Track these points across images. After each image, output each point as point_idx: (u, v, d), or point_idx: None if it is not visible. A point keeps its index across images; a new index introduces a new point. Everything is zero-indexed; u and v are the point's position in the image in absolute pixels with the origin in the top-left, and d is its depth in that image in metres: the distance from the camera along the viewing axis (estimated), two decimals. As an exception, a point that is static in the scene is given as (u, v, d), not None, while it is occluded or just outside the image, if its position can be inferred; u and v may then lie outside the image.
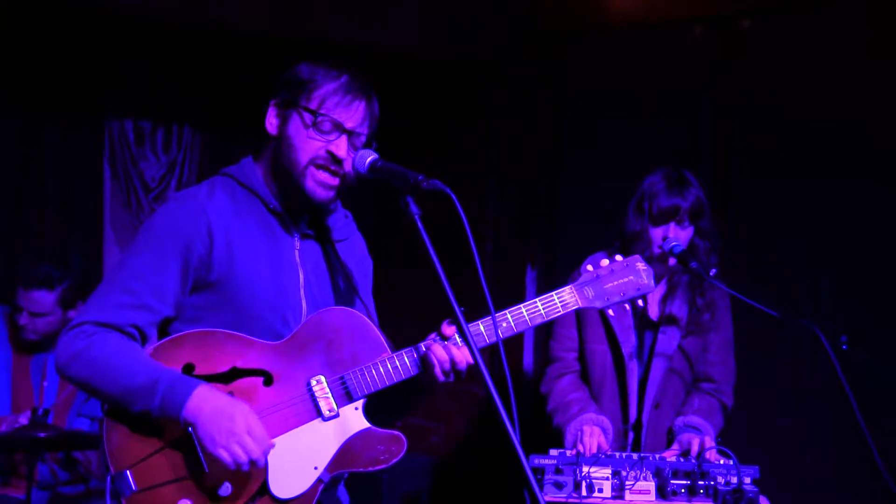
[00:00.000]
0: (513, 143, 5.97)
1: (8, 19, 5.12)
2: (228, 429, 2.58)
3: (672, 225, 4.06)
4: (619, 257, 2.93)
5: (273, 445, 2.65)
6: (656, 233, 4.07)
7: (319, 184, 2.76)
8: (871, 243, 5.07)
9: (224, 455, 2.59)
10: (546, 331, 4.41)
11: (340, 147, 2.74)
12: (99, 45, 5.47)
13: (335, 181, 2.77)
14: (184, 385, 2.61)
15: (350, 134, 2.75)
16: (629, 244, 4.11)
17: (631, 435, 4.16)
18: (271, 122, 2.81)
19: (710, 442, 3.93)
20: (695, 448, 3.90)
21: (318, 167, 2.75)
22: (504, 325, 2.79)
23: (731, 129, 5.40)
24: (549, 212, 5.86)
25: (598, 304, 2.89)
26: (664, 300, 4.19)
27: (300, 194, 2.78)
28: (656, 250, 4.07)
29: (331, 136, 2.74)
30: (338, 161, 2.74)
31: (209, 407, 2.59)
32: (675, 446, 4.01)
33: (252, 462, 2.60)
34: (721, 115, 5.43)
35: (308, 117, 2.74)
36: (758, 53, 5.33)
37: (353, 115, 2.76)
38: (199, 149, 6.04)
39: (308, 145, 2.74)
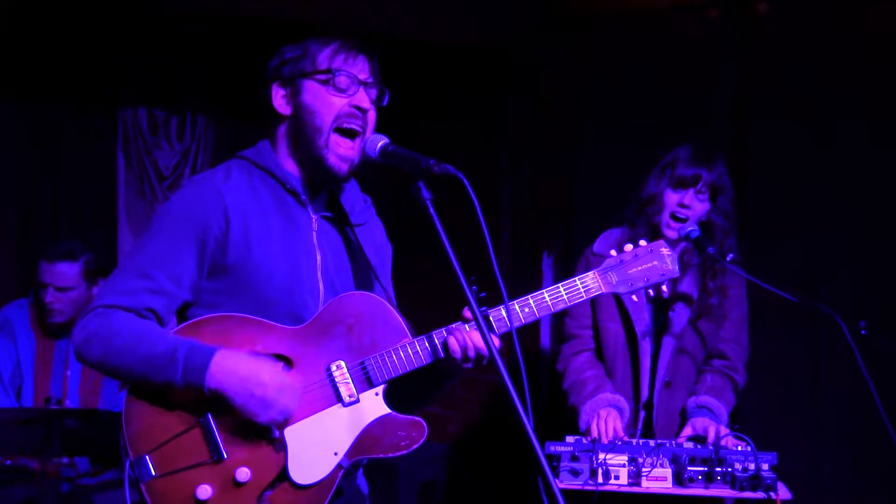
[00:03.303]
0: (528, 130, 5.95)
1: (23, 8, 5.12)
2: (262, 396, 2.59)
3: (690, 192, 4.04)
4: (643, 242, 2.91)
5: (300, 385, 2.66)
6: (672, 197, 4.06)
7: (342, 158, 2.76)
8: (890, 226, 5.05)
9: (264, 420, 2.61)
10: (561, 312, 4.40)
11: (363, 99, 2.76)
12: (113, 34, 5.47)
13: (355, 148, 2.77)
14: (203, 351, 2.61)
15: (366, 85, 2.78)
16: (643, 207, 4.10)
17: (643, 414, 4.15)
18: (280, 102, 2.81)
19: (725, 430, 3.91)
20: (711, 436, 3.89)
21: (340, 131, 2.75)
22: (526, 310, 2.78)
23: (749, 111, 5.38)
24: (566, 199, 5.84)
25: (622, 290, 2.87)
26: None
27: (322, 170, 2.78)
28: (668, 220, 4.04)
29: (350, 90, 2.76)
30: (363, 110, 2.76)
31: (234, 374, 2.59)
32: (688, 429, 3.99)
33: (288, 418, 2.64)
34: (738, 97, 5.41)
35: (323, 77, 2.75)
36: (774, 35, 5.30)
37: (362, 67, 2.79)
38: (213, 137, 6.05)
39: (330, 105, 2.75)
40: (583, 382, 4.15)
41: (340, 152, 2.76)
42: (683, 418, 4.12)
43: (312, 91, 2.77)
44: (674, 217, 4.06)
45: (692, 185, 4.04)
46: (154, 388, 2.65)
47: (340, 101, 2.76)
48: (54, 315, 4.68)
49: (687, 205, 4.04)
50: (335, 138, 2.76)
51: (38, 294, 4.73)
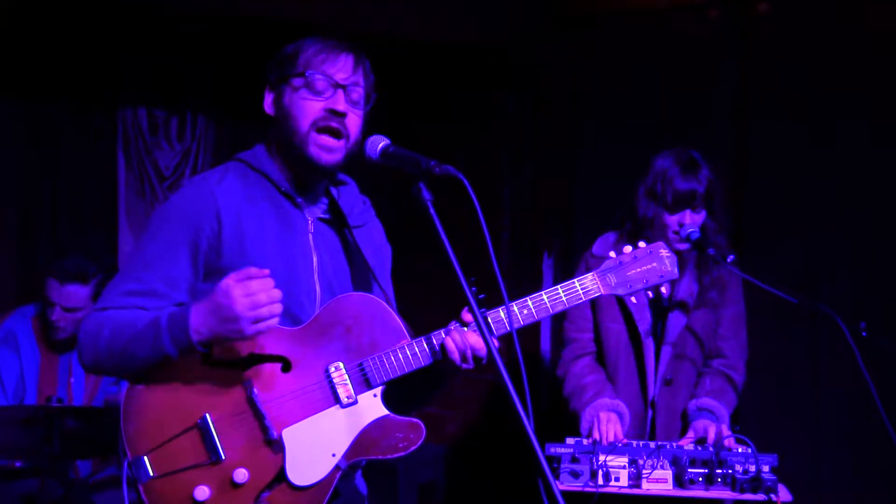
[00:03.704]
0: (528, 130, 5.94)
1: (22, 9, 5.11)
2: (231, 308, 2.53)
3: (688, 212, 4.04)
4: (642, 244, 2.91)
5: (271, 281, 2.58)
6: (672, 220, 4.05)
7: (322, 148, 2.75)
8: (890, 226, 5.04)
9: (249, 330, 2.54)
10: (561, 314, 4.40)
11: (338, 101, 2.74)
12: (113, 34, 5.46)
13: (339, 143, 2.75)
14: (179, 312, 2.60)
15: (344, 88, 2.75)
16: (640, 228, 4.09)
17: (650, 413, 4.15)
18: (268, 104, 2.81)
19: (726, 430, 3.91)
20: (711, 436, 3.89)
21: (320, 130, 2.74)
22: (525, 312, 2.77)
23: (749, 111, 5.37)
24: (566, 199, 5.84)
25: (621, 292, 2.87)
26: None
27: (305, 163, 2.77)
28: (671, 236, 4.05)
29: (326, 93, 2.74)
30: (339, 114, 2.73)
31: (206, 313, 2.56)
32: (691, 433, 3.99)
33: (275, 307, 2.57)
34: (738, 97, 5.40)
35: (298, 81, 2.75)
36: (774, 35, 5.30)
37: (342, 67, 2.76)
38: (213, 137, 6.04)
39: (306, 108, 2.74)
40: (583, 388, 4.15)
41: (321, 142, 2.74)
42: (685, 421, 4.12)
43: (289, 94, 2.77)
44: (675, 233, 4.06)
45: (688, 205, 4.04)
46: (153, 381, 2.65)
47: (316, 104, 2.74)
48: (58, 332, 4.68)
49: (685, 224, 4.04)
50: (314, 135, 2.74)
51: (44, 309, 4.71)
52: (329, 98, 2.74)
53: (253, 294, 2.54)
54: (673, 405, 4.15)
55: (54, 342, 4.71)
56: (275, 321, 2.58)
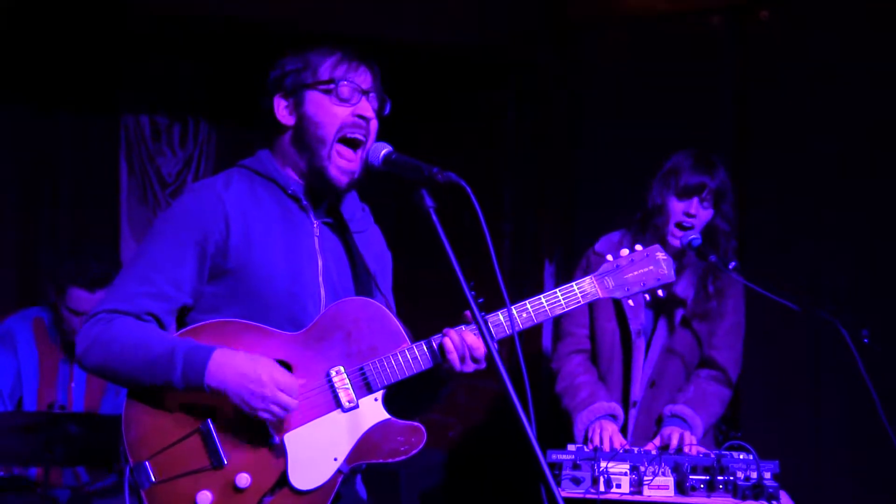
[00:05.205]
0: (529, 131, 5.94)
1: (23, 14, 5.12)
2: (260, 392, 2.60)
3: (695, 200, 4.05)
4: (638, 247, 2.92)
5: (299, 386, 2.66)
6: (678, 206, 4.06)
7: (342, 170, 2.77)
8: (891, 229, 5.04)
9: (263, 415, 2.61)
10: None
11: (366, 108, 2.78)
12: (114, 40, 5.47)
13: (356, 165, 2.78)
14: (201, 351, 2.62)
15: (367, 94, 2.80)
16: (649, 216, 4.11)
17: (633, 412, 4.15)
18: (282, 113, 2.82)
19: (690, 438, 3.91)
20: (674, 443, 3.89)
21: (343, 141, 2.76)
22: (524, 315, 2.78)
23: (750, 119, 5.38)
24: (567, 206, 5.84)
25: (619, 295, 2.88)
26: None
27: (321, 177, 2.79)
28: (672, 229, 4.05)
29: (353, 99, 2.78)
30: (366, 119, 2.77)
31: (232, 371, 2.60)
32: (657, 439, 4.00)
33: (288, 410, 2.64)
34: (740, 105, 5.40)
35: (325, 87, 2.77)
36: (775, 41, 5.30)
37: (364, 76, 2.81)
38: (216, 144, 6.05)
39: (333, 115, 2.77)
40: (576, 388, 4.16)
41: (342, 164, 2.78)
42: (659, 424, 4.11)
43: (315, 102, 2.78)
44: (679, 226, 4.07)
45: (697, 193, 4.06)
46: (154, 391, 2.65)
47: (343, 110, 2.77)
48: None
49: (692, 214, 4.06)
50: (339, 148, 2.77)
51: (60, 316, 4.65)
52: (356, 104, 2.78)
53: (284, 390, 2.61)
54: (653, 407, 4.15)
55: (69, 344, 4.65)
56: (273, 420, 2.64)
